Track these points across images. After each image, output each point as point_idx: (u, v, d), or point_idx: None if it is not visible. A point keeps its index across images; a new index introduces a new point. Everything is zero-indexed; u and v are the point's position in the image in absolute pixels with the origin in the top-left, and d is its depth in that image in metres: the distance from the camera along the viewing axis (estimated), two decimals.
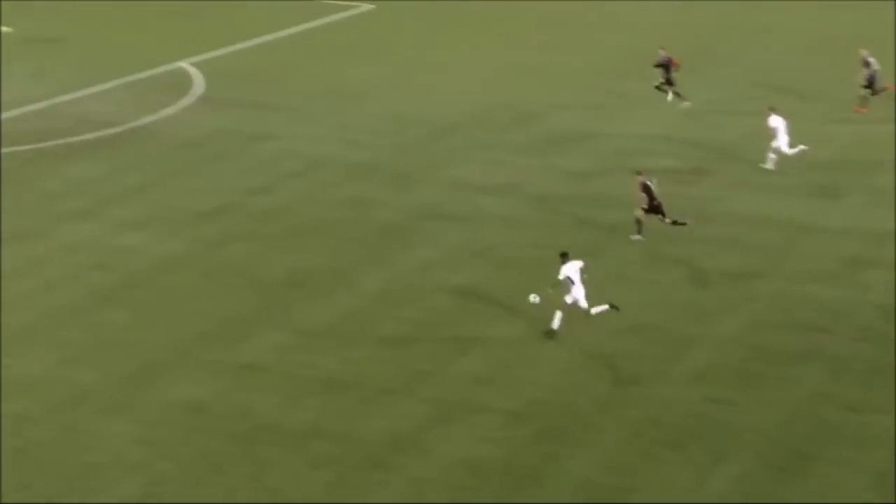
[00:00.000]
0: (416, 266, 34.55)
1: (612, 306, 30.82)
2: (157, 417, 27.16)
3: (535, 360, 29.50)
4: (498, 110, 47.29)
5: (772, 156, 40.79)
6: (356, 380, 28.72)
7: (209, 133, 45.33)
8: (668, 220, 35.42)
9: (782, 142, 40.57)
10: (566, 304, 30.22)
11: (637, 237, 35.68)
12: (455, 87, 49.75)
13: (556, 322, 30.26)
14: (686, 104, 47.09)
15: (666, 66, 47.04)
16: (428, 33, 58.82)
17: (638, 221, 35.66)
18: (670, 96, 47.43)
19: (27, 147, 43.47)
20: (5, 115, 46.58)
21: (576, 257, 30.65)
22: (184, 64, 53.45)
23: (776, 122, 40.64)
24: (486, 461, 25.55)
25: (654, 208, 35.38)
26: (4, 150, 42.96)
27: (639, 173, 35.87)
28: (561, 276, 30.18)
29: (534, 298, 30.06)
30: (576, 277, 30.19)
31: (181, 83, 50.95)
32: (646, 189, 35.37)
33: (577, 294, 30.19)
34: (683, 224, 35.59)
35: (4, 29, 67.53)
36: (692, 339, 30.40)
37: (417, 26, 60.16)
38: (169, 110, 47.62)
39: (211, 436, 26.41)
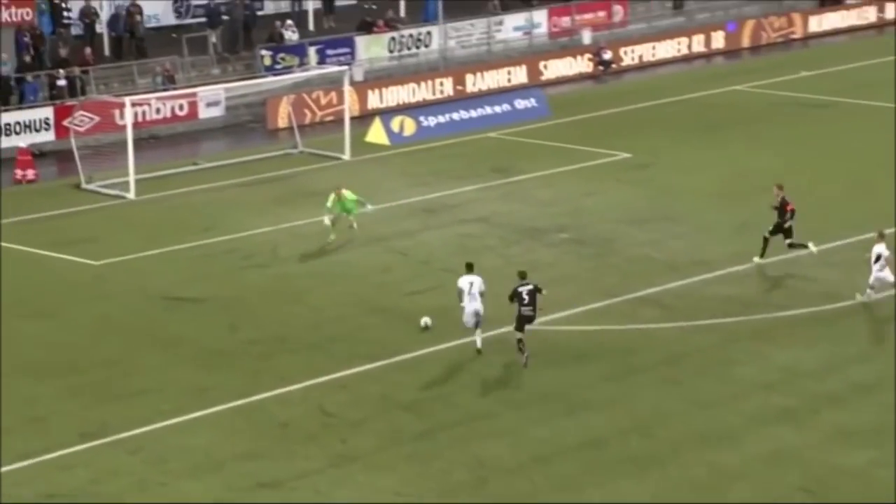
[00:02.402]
0: None
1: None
2: None
3: None
4: None
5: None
6: None
7: None
8: None
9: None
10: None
11: None
12: None
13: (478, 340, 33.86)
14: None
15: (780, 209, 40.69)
16: None
17: None
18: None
19: (708, 321, 37.34)
20: (713, 274, 40.95)
21: None
22: None
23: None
24: None
25: None
26: (688, 323, 37.26)
27: None
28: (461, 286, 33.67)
29: (426, 322, 34.88)
30: (473, 290, 33.38)
31: None
32: None
33: (471, 307, 33.43)
34: None
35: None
36: None
37: None
38: None
39: None
